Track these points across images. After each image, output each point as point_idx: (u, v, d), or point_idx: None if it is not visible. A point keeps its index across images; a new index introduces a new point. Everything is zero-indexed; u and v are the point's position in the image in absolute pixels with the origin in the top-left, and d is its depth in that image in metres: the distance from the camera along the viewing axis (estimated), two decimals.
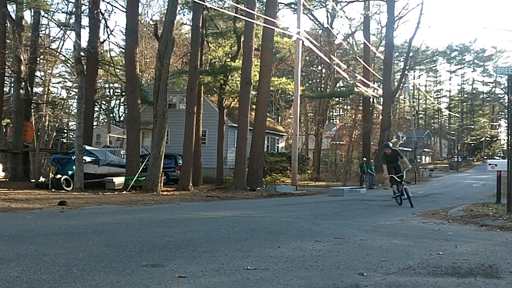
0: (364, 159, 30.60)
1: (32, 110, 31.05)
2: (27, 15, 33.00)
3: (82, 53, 21.62)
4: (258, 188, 20.89)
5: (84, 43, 23.37)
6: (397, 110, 67.18)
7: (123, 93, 38.04)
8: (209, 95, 29.64)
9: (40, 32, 31.48)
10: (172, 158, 25.41)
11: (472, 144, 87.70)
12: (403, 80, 46.73)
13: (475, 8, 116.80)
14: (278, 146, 37.00)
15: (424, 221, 9.30)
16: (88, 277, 3.91)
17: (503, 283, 4.03)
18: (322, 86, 45.92)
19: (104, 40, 28.98)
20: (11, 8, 26.63)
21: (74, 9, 21.40)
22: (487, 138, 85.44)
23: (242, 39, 23.68)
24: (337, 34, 43.02)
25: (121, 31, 54.27)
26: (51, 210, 10.46)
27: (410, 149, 55.28)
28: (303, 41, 23.57)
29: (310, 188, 25.63)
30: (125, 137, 24.44)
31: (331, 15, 40.61)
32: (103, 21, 26.72)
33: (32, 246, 5.32)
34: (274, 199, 17.18)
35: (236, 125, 23.96)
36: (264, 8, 23.97)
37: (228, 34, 26.92)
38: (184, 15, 36.94)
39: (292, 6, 33.14)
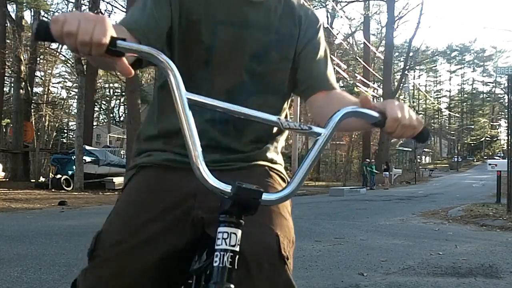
0: (367, 160, 30.57)
1: (32, 110, 31.03)
2: (27, 15, 33.03)
3: None
4: None
5: None
6: None
7: (123, 93, 38.03)
8: None
9: None
10: None
11: (472, 144, 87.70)
12: (403, 80, 46.75)
13: (475, 8, 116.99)
14: None
15: (424, 221, 9.30)
16: None
17: (503, 283, 4.03)
18: None
19: None
20: (11, 8, 26.63)
21: (74, 9, 21.40)
22: (487, 138, 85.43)
23: None
24: (337, 34, 43.02)
25: None
26: (51, 210, 10.45)
27: (410, 149, 55.31)
28: None
29: (310, 188, 25.60)
30: (125, 137, 24.43)
31: (331, 15, 40.66)
32: None
33: (32, 246, 5.31)
34: None
35: None
36: None
37: None
38: None
39: None
